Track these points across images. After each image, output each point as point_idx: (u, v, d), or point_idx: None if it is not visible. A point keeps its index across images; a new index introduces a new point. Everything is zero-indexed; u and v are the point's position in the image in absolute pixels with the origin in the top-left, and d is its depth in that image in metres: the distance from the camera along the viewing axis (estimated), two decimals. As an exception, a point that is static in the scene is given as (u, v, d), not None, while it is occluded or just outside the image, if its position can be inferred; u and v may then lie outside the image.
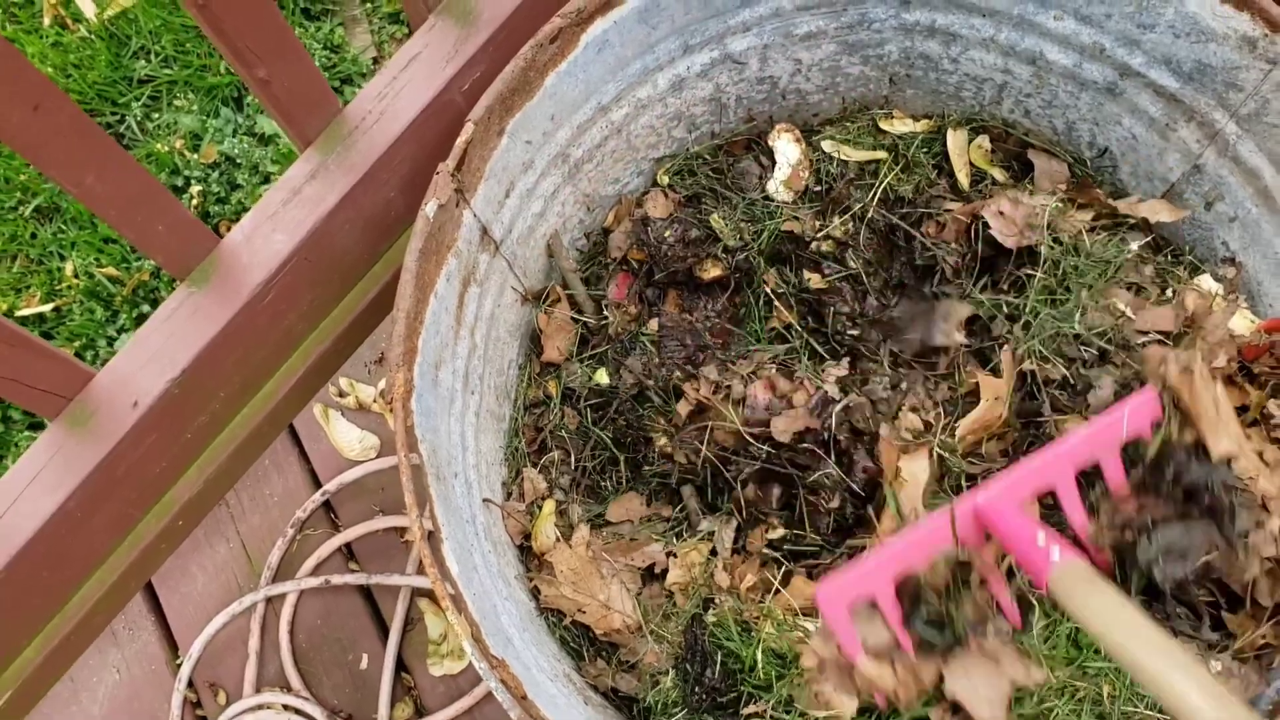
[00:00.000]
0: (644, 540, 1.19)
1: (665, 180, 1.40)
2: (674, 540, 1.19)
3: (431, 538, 0.98)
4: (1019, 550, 0.90)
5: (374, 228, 1.26)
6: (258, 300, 1.19)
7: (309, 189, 1.20)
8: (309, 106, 1.18)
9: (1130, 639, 0.77)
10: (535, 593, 1.17)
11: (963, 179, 1.34)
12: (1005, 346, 1.18)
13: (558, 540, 1.19)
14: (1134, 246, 1.24)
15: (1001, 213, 1.23)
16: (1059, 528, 0.95)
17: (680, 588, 1.15)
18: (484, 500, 1.18)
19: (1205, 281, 1.23)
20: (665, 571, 1.17)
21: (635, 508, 1.23)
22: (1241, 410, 1.08)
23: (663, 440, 1.23)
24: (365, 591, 1.43)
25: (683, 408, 1.21)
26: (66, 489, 1.17)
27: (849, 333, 1.26)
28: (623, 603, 1.14)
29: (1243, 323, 1.16)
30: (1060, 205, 1.25)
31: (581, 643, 1.18)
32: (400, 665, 1.39)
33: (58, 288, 1.98)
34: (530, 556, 1.22)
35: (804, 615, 1.10)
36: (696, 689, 1.10)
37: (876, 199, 1.32)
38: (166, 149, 2.02)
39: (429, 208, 1.08)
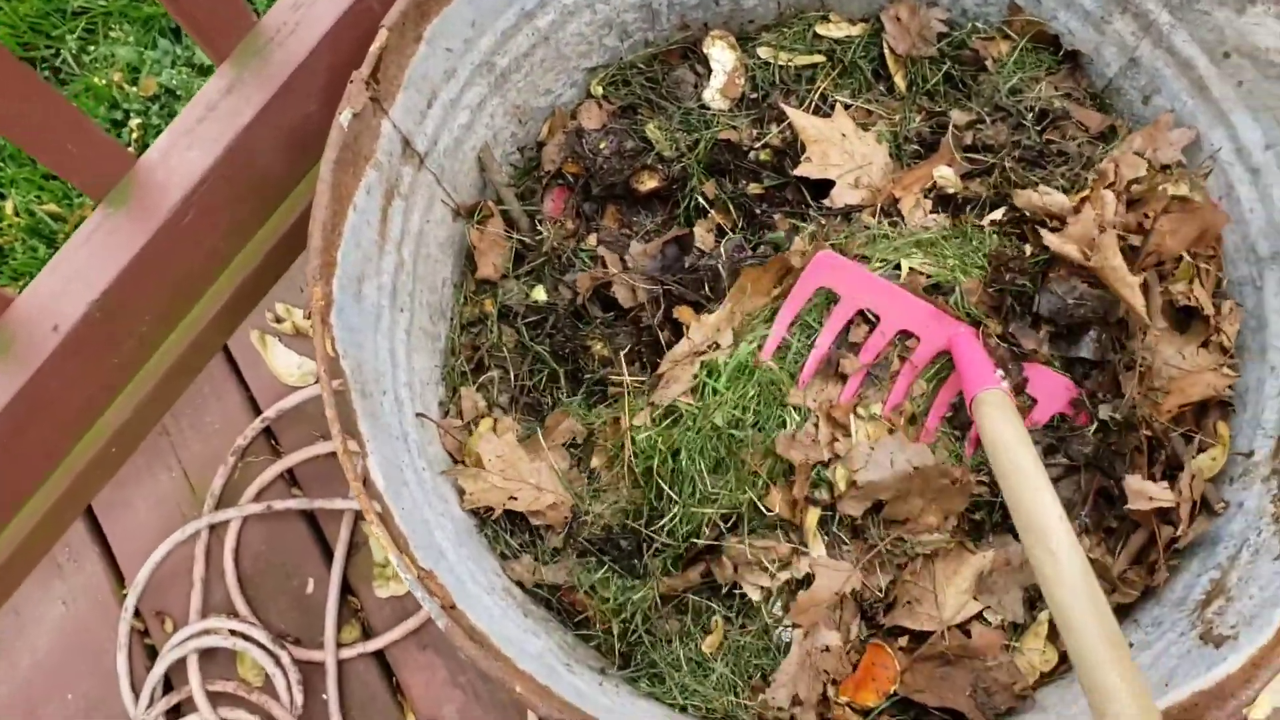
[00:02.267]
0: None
1: (599, 91, 1.37)
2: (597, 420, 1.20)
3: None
4: (970, 368, 1.09)
5: (294, 143, 1.23)
6: (177, 219, 1.16)
7: (224, 104, 1.17)
8: (220, 18, 1.15)
9: (1014, 459, 0.98)
10: (461, 493, 1.16)
11: (900, 82, 1.31)
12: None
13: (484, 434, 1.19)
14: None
15: (899, 18, 1.29)
16: None
17: (604, 466, 1.17)
18: (417, 415, 1.17)
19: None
20: (589, 451, 1.19)
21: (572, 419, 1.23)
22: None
23: (599, 345, 1.22)
24: (309, 516, 1.42)
25: (584, 282, 1.25)
26: (-12, 417, 1.15)
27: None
28: (554, 483, 1.15)
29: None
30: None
31: (505, 543, 1.19)
32: (346, 588, 1.39)
33: (-2, 226, 1.95)
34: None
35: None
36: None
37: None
38: (104, 82, 1.98)
39: (343, 117, 1.05)
